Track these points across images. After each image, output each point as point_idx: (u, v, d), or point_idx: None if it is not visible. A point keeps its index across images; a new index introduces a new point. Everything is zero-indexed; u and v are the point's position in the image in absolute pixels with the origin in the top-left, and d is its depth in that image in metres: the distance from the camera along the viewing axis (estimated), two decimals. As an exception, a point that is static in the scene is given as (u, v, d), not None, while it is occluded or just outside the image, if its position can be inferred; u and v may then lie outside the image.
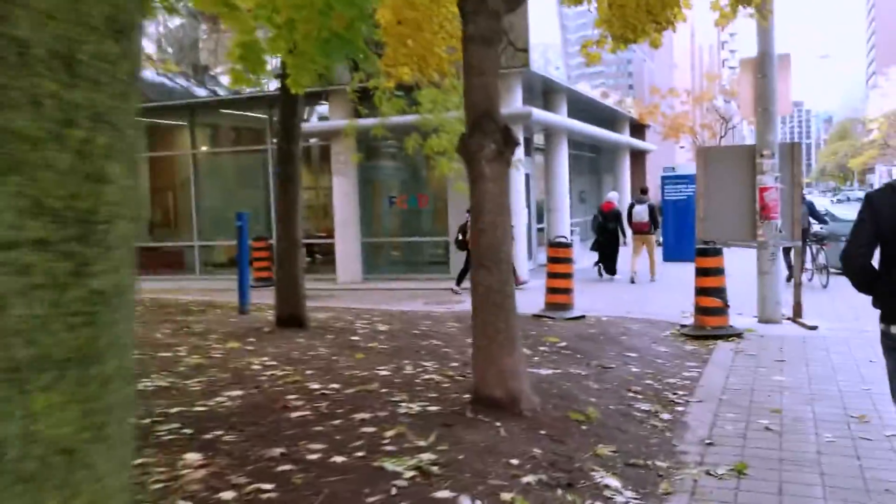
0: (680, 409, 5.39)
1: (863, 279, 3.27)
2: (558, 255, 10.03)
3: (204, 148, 17.32)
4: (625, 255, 15.38)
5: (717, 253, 8.41)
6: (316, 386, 5.70)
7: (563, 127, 15.76)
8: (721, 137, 27.35)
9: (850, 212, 16.54)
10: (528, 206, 15.73)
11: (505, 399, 4.81)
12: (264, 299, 11.10)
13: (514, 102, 13.75)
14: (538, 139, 17.41)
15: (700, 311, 8.41)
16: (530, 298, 10.37)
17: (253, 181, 16.95)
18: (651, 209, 14.42)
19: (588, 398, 5.43)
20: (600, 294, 12.52)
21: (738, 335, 8.20)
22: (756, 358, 7.14)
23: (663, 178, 18.19)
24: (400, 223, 16.19)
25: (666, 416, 5.17)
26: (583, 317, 9.78)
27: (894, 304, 3.22)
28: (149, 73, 16.20)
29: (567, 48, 18.14)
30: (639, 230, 14.43)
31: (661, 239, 19.35)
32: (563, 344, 7.63)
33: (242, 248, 10.19)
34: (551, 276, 10.05)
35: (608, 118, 22.65)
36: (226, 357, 7.00)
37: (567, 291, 9.95)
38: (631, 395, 5.68)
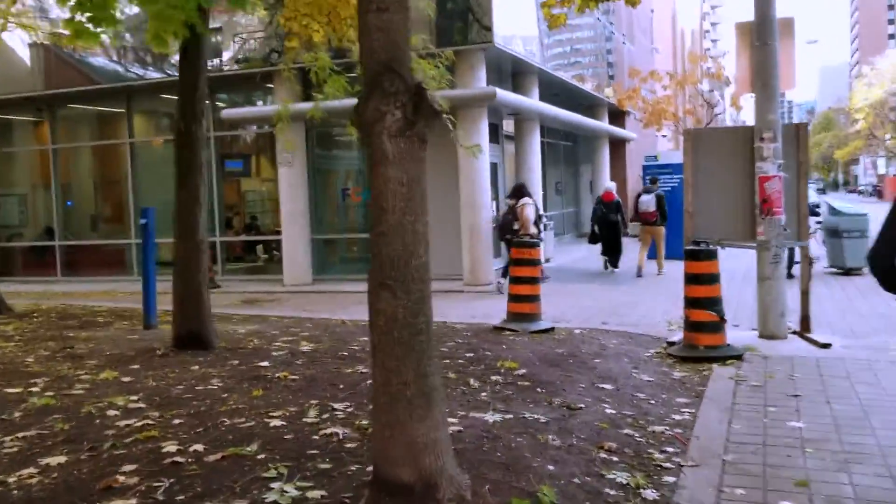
0: (669, 478, 3.90)
1: (891, 280, 3.08)
2: (522, 255, 8.52)
3: (142, 137, 15.59)
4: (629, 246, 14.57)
5: (711, 256, 6.93)
6: (172, 448, 4.16)
7: (533, 111, 14.24)
8: (706, 125, 25.91)
9: (850, 205, 15.18)
10: (497, 200, 14.21)
11: (416, 483, 3.29)
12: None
13: (476, 82, 12.21)
14: (508, 126, 15.88)
15: (691, 326, 6.94)
16: (498, 305, 8.88)
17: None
18: (659, 199, 13.76)
19: (544, 465, 3.93)
20: (577, 296, 11.05)
21: (738, 356, 6.74)
22: (763, 391, 5.67)
23: (645, 167, 16.76)
24: (355, 218, 14.62)
25: (650, 494, 3.68)
26: (551, 329, 8.30)
27: None
28: (91, 56, 14.53)
29: (542, 26, 16.62)
30: (646, 220, 13.85)
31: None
32: (522, 371, 6.12)
33: (147, 251, 8.55)
34: (515, 280, 8.56)
35: (585, 104, 21.17)
36: (86, 395, 5.44)
37: (533, 299, 8.46)
38: (604, 455, 4.18)
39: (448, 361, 6.48)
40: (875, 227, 3.41)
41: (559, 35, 19.75)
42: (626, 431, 4.62)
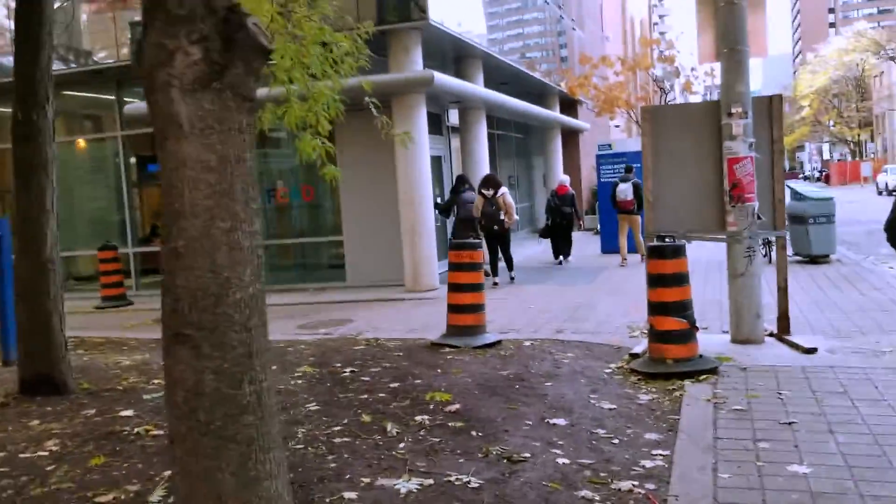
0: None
1: None
2: (462, 259, 7.38)
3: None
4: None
5: (679, 253, 5.87)
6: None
7: (478, 97, 13.12)
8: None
9: (815, 188, 14.37)
10: (441, 196, 13.08)
11: None
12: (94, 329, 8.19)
13: (412, 65, 11.04)
14: (453, 117, 14.75)
15: (657, 336, 5.87)
16: (443, 313, 7.73)
17: (103, 176, 13.84)
18: (636, 187, 13.26)
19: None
20: (529, 299, 9.97)
21: (712, 370, 5.70)
22: (749, 418, 4.62)
23: (598, 156, 15.78)
24: (284, 222, 13.35)
25: None
26: (498, 343, 7.19)
27: None
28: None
29: (487, 9, 15.53)
30: (624, 209, 13.66)
31: (598, 227, 17.03)
32: (456, 406, 4.98)
33: (3, 269, 7.05)
34: (454, 288, 7.41)
35: (536, 93, 20.16)
36: None
37: (476, 309, 7.33)
38: (553, 537, 3.06)
39: (366, 397, 5.31)
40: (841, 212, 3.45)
41: (508, 18, 18.74)
42: (583, 494, 3.50)
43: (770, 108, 6.64)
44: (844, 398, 4.92)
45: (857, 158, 62.92)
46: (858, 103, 62.71)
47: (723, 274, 7.32)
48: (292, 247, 13.30)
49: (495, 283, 11.75)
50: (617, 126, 29.29)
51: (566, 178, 15.51)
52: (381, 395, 5.35)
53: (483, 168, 14.06)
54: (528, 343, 7.26)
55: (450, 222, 13.50)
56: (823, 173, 63.91)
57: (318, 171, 7.85)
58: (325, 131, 7.83)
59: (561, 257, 14.24)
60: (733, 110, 6.43)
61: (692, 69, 23.90)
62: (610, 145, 16.04)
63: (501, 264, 12.00)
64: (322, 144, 7.77)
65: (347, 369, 6.26)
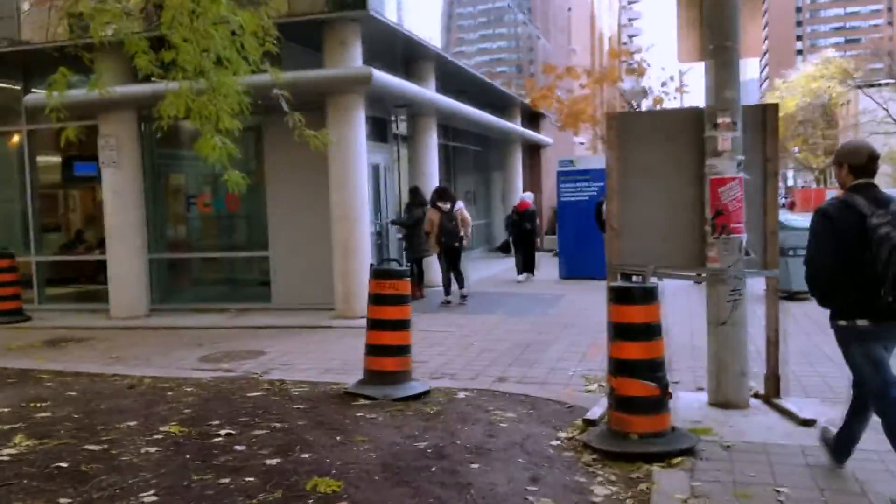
0: None
1: (828, 284, 3.64)
2: (384, 290, 6.03)
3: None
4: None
5: (650, 297, 4.60)
6: None
7: (425, 101, 11.80)
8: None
9: (796, 216, 13.35)
10: (381, 211, 11.75)
11: None
12: None
13: (349, 61, 9.71)
14: (403, 125, 13.46)
15: (619, 403, 4.59)
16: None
17: (4, 174, 12.22)
18: None
19: None
20: (474, 331, 8.65)
21: (688, 450, 4.44)
22: (743, 539, 3.35)
23: (560, 173, 14.58)
24: (207, 234, 11.90)
25: None
26: (425, 393, 5.87)
27: (862, 301, 3.58)
28: None
29: (445, 7, 14.30)
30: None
31: (556, 249, 15.86)
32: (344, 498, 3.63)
33: None
34: (374, 325, 6.06)
35: (498, 104, 18.95)
36: None
37: (400, 351, 6.00)
38: None
39: (228, 481, 3.92)
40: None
41: (477, 32, 17.58)
42: None
43: (764, 120, 5.43)
44: (863, 501, 3.69)
45: (822, 185, 63.09)
46: (825, 131, 62.87)
47: (691, 301, 6.06)
48: (215, 262, 11.85)
49: (448, 302, 10.88)
50: (581, 143, 28.27)
51: (529, 196, 15.27)
52: (249, 478, 3.97)
53: (432, 181, 12.78)
54: (461, 395, 5.95)
55: (392, 241, 12.19)
56: (788, 200, 63.98)
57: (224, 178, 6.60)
58: (228, 128, 6.51)
59: (525, 273, 14.05)
60: (720, 120, 5.22)
61: (662, 84, 22.89)
62: (572, 161, 14.85)
63: (454, 284, 10.93)
64: (223, 145, 6.46)
65: (224, 431, 4.87)
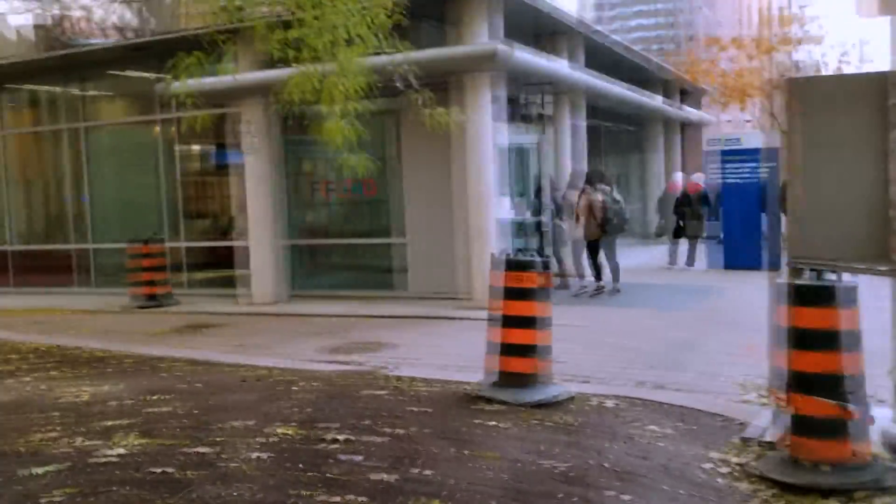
0: None
1: None
2: (521, 283, 5.41)
3: (88, 122, 12.86)
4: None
5: (848, 300, 3.71)
6: None
7: (564, 79, 10.96)
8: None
9: None
10: (527, 196, 11.10)
11: None
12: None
13: (474, 38, 9.11)
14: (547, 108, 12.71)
15: (800, 425, 3.75)
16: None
17: (144, 163, 12.65)
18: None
19: None
20: (619, 328, 7.88)
21: (883, 489, 3.54)
22: None
23: (723, 153, 13.31)
24: (342, 219, 11.75)
25: None
26: (561, 402, 5.23)
27: None
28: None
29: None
30: None
31: (721, 236, 14.57)
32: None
33: None
34: (508, 322, 5.45)
35: (650, 80, 17.71)
36: None
37: (536, 352, 5.37)
38: None
39: (336, 500, 3.47)
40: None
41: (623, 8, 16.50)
42: None
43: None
44: None
45: None
46: None
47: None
48: (352, 249, 11.69)
49: (600, 289, 10.44)
50: (748, 121, 26.15)
51: (699, 176, 14.35)
52: (358, 497, 3.51)
53: (576, 163, 11.98)
54: (596, 401, 5.27)
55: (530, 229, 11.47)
56: None
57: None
58: (357, 108, 6.15)
59: (685, 260, 13.45)
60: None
61: (842, 54, 20.53)
62: (739, 139, 13.50)
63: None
64: (350, 127, 6.10)
65: (342, 436, 4.46)
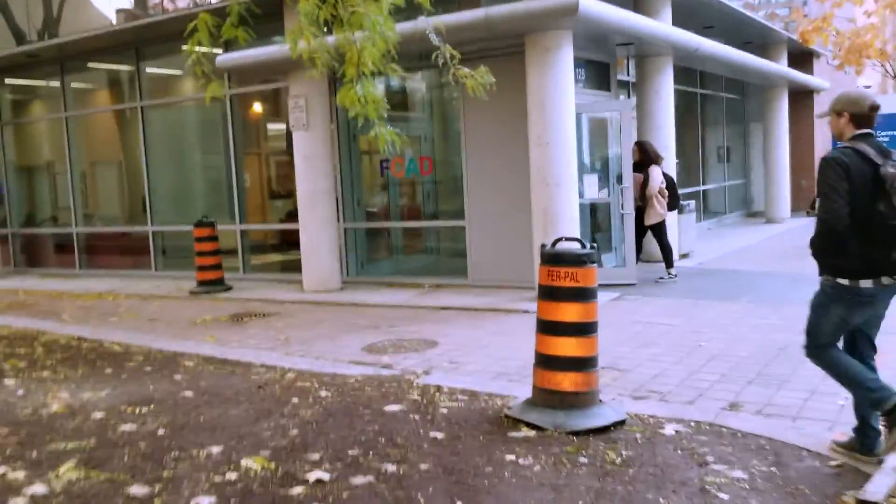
0: None
1: (840, 239, 3.38)
2: (558, 281, 4.34)
3: (148, 100, 12.40)
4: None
5: None
6: None
7: (655, 37, 9.61)
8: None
9: None
10: (608, 173, 9.88)
11: None
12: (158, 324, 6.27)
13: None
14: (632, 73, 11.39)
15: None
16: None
17: (209, 143, 12.14)
18: None
19: None
20: (706, 324, 6.66)
21: None
22: None
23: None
24: (399, 201, 10.86)
25: None
26: (617, 424, 4.17)
27: (870, 259, 3.41)
28: None
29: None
30: None
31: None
32: None
33: None
34: (546, 328, 4.40)
35: (754, 41, 15.91)
36: None
37: (580, 364, 4.31)
38: None
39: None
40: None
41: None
42: None
43: None
44: None
45: None
46: None
47: None
48: (410, 233, 10.82)
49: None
50: (868, 87, 23.61)
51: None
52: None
53: (662, 134, 10.64)
54: (669, 430, 4.15)
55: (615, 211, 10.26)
56: None
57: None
58: (371, 69, 5.22)
59: None
60: None
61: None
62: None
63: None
64: (368, 94, 5.19)
65: (315, 473, 3.56)
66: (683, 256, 11.22)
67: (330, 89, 9.85)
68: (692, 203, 11.66)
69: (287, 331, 7.60)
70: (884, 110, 11.00)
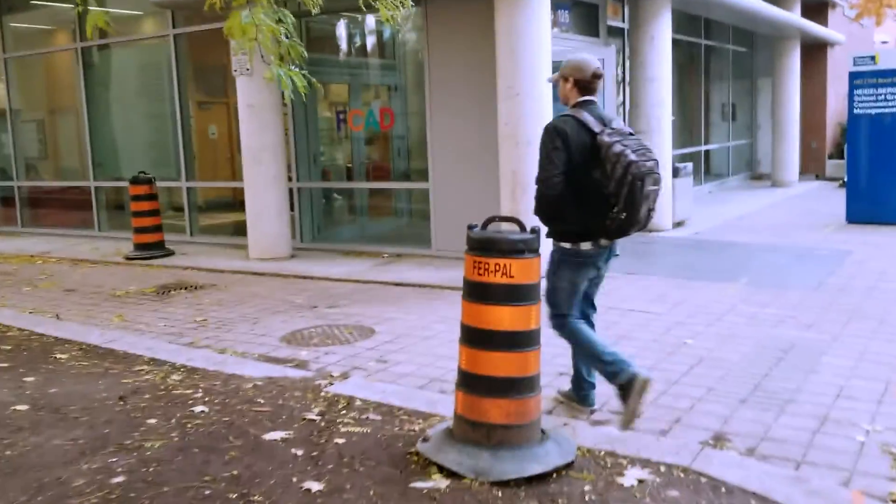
0: None
1: (557, 205, 3.48)
2: (486, 276, 3.25)
3: (98, 39, 11.09)
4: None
5: None
6: None
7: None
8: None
9: None
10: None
11: None
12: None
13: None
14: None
15: None
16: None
17: (153, 90, 10.91)
18: None
19: None
20: (691, 316, 5.61)
21: None
22: None
23: (853, 75, 10.38)
24: (360, 157, 9.70)
25: None
26: (564, 469, 3.12)
27: (586, 224, 3.55)
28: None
29: None
30: None
31: (843, 179, 11.76)
32: None
33: None
34: (469, 336, 3.33)
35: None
36: None
37: (514, 388, 3.24)
38: None
39: None
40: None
41: None
42: None
43: None
44: None
45: None
46: None
47: None
48: (371, 194, 9.69)
49: None
50: (885, 42, 22.14)
51: None
52: None
53: (658, 87, 9.45)
54: (630, 477, 3.10)
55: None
56: None
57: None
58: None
59: None
60: None
61: None
62: (873, 58, 10.49)
63: None
64: (259, 21, 4.08)
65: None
66: (678, 225, 10.14)
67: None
68: (688, 165, 10.49)
69: (210, 310, 6.55)
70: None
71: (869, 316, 5.67)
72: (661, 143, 9.67)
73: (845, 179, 10.93)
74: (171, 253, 9.40)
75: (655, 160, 3.45)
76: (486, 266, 3.22)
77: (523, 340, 3.25)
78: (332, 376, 4.53)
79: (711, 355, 4.81)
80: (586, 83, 3.60)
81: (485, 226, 3.37)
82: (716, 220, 10.87)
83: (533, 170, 6.99)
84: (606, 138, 3.40)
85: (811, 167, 16.95)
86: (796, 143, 15.70)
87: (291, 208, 9.09)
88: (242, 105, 8.58)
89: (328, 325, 5.83)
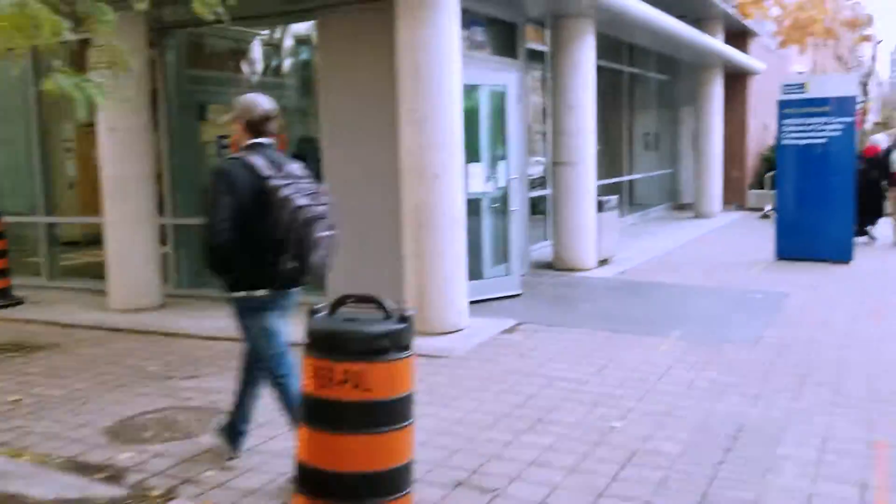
0: None
1: (227, 255, 3.29)
2: (331, 390, 2.22)
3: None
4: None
5: None
6: None
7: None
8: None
9: None
10: (507, 161, 7.80)
11: None
12: None
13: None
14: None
15: None
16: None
17: (6, 111, 9.47)
18: None
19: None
20: (622, 373, 4.68)
21: None
22: None
23: (782, 104, 9.84)
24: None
25: None
26: None
27: (259, 272, 3.37)
28: None
29: None
30: None
31: (769, 209, 11.33)
32: None
33: None
34: (315, 418, 2.27)
35: (688, 13, 14.06)
36: None
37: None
38: None
39: None
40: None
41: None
42: None
43: None
44: None
45: None
46: None
47: None
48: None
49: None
50: (801, 72, 22.26)
51: (882, 137, 12.25)
52: None
53: (580, 114, 8.65)
54: None
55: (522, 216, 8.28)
56: None
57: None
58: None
59: (868, 232, 11.18)
60: None
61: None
62: (802, 86, 9.97)
63: None
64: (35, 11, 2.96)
65: None
66: (603, 262, 9.34)
67: (153, 42, 7.51)
68: (613, 199, 9.72)
69: (35, 383, 5.28)
70: (829, 93, 9.29)
71: (820, 382, 4.87)
72: (585, 173, 8.86)
73: (767, 210, 10.56)
74: (19, 302, 7.99)
75: (328, 204, 3.31)
76: (331, 374, 2.18)
77: (387, 484, 2.21)
78: (147, 497, 3.37)
79: (645, 447, 3.87)
80: (255, 124, 3.43)
81: (333, 309, 2.33)
82: (641, 256, 10.13)
83: (441, 205, 6.07)
84: (275, 182, 3.26)
85: (732, 197, 16.61)
86: (719, 174, 15.34)
87: (166, 247, 7.86)
88: (103, 129, 7.34)
89: (173, 409, 4.66)
